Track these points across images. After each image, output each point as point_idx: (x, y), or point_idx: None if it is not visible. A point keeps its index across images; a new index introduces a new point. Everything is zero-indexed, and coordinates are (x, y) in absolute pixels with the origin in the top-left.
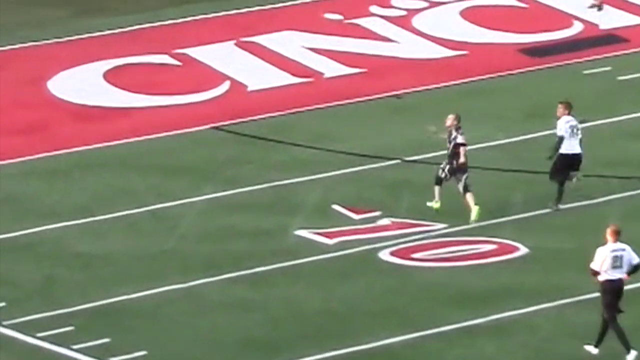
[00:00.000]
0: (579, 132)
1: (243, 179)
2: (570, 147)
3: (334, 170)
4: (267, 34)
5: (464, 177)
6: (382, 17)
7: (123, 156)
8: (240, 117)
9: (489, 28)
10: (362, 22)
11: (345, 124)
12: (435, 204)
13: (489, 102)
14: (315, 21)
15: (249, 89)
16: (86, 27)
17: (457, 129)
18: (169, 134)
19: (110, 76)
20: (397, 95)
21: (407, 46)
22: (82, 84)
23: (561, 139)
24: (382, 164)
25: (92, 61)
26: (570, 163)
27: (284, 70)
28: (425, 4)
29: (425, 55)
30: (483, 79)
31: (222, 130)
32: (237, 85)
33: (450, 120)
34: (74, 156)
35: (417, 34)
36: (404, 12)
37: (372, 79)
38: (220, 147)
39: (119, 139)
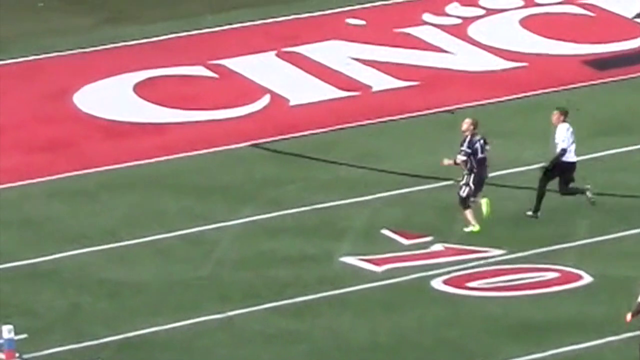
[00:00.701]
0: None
1: (284, 200)
2: (571, 154)
3: (383, 192)
4: (311, 43)
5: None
6: (435, 25)
7: (154, 176)
8: (282, 134)
9: (551, 38)
10: (414, 31)
11: (395, 142)
12: (473, 228)
13: (551, 119)
14: (362, 30)
15: (291, 103)
16: (115, 36)
17: (473, 135)
18: (204, 151)
19: (141, 89)
20: (451, 110)
21: (462, 57)
22: (111, 98)
23: (564, 150)
24: (435, 184)
25: (122, 73)
26: (570, 171)
27: (329, 83)
28: (482, 12)
29: (481, 67)
30: (544, 93)
31: (261, 147)
32: (278, 99)
33: (466, 124)
34: (101, 176)
35: (473, 44)
36: (459, 21)
37: (424, 92)
38: (260, 166)
39: (150, 157)
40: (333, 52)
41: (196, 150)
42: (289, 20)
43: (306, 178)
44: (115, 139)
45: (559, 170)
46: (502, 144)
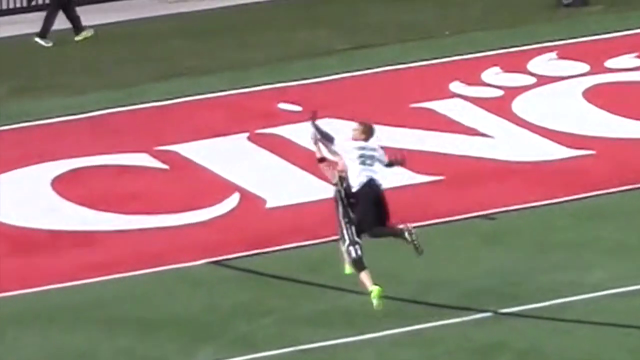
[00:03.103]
0: (374, 164)
1: (258, 338)
2: (363, 176)
3: (394, 327)
4: (296, 123)
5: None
6: (467, 98)
7: (81, 305)
8: (255, 248)
9: (626, 116)
10: (439, 106)
11: (411, 257)
12: (375, 294)
13: (626, 228)
14: (367, 105)
15: (268, 204)
16: (29, 111)
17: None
18: (148, 271)
19: (62, 184)
20: (489, 215)
21: (504, 142)
22: (21, 196)
23: (334, 152)
24: (466, 317)
25: (37, 162)
26: (370, 194)
27: (320, 177)
28: (532, 80)
29: (531, 156)
30: (617, 193)
31: (227, 266)
32: (250, 200)
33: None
34: (7, 305)
35: (519, 124)
36: (499, 92)
37: (452, 190)
38: (225, 291)
39: (75, 279)
40: None
41: (137, 269)
42: (265, 90)
43: (288, 308)
44: (27, 253)
45: (365, 197)
46: (561, 260)
